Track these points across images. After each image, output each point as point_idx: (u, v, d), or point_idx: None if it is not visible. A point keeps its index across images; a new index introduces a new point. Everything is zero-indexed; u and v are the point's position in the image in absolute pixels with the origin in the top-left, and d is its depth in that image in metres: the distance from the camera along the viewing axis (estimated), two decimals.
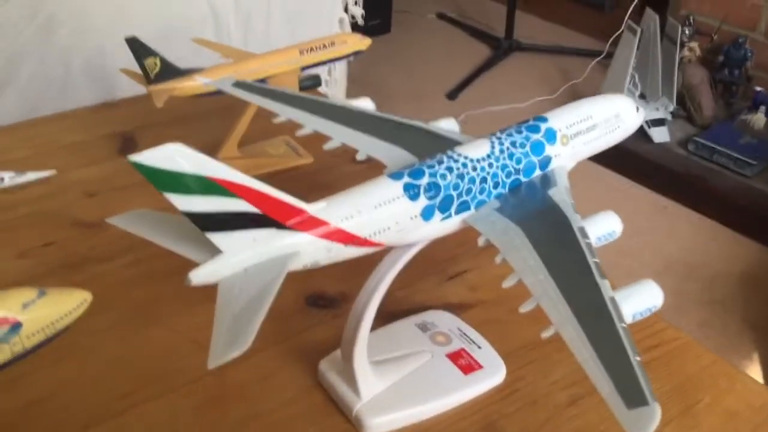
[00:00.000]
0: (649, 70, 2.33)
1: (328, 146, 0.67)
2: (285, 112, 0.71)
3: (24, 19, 1.56)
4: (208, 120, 1.02)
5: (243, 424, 0.62)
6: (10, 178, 0.83)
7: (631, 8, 2.56)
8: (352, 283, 0.61)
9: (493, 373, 0.66)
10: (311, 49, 0.93)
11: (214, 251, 0.51)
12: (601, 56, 2.73)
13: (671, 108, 2.32)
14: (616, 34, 2.58)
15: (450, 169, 0.58)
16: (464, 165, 0.58)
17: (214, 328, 0.46)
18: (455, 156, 0.59)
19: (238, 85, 0.74)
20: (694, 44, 2.48)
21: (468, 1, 3.45)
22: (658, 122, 2.28)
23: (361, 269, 0.60)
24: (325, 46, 0.94)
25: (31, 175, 0.85)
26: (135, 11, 1.69)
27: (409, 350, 0.67)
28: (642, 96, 2.34)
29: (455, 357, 0.66)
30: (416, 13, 3.32)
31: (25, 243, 0.81)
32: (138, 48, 0.83)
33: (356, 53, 0.98)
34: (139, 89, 0.90)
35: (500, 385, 0.65)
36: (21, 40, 1.55)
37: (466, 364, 0.66)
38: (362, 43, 0.97)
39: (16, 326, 0.46)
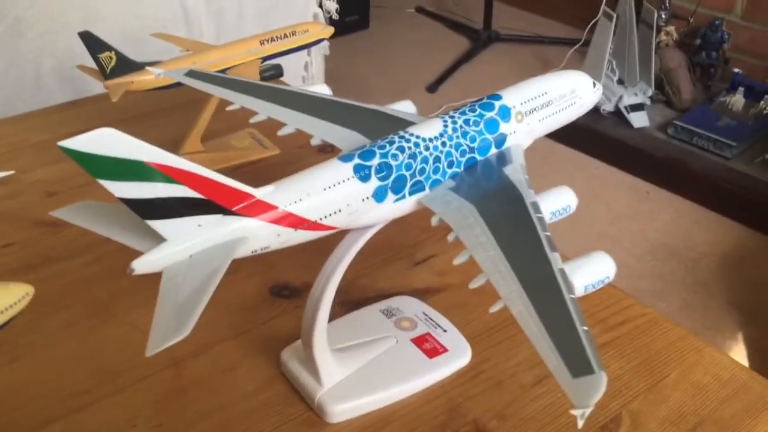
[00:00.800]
0: (627, 55, 2.32)
1: (282, 132, 0.66)
2: (239, 100, 0.69)
3: None
4: (170, 115, 1.00)
5: (204, 417, 0.61)
6: None
7: None
8: (316, 272, 0.60)
9: (458, 356, 0.65)
10: (272, 39, 0.92)
11: (159, 240, 0.50)
12: (579, 44, 2.72)
13: (650, 93, 2.32)
14: (594, 21, 2.58)
15: (402, 149, 0.57)
16: (416, 145, 0.57)
17: (154, 316, 0.45)
18: (407, 136, 0.58)
19: (192, 74, 0.73)
20: (671, 28, 2.48)
21: None
22: (637, 107, 2.28)
23: (325, 259, 0.59)
24: (286, 35, 0.93)
25: None
26: (106, 12, 1.68)
27: (373, 336, 0.66)
28: (620, 81, 2.34)
29: (420, 341, 0.65)
30: (395, 8, 3.30)
31: None
32: (92, 43, 0.81)
33: (318, 41, 0.96)
34: None
35: (465, 367, 0.64)
36: None
37: (431, 348, 0.65)
38: (324, 32, 0.96)
39: None
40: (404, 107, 0.71)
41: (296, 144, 0.98)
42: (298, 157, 0.96)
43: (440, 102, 2.60)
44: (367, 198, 0.55)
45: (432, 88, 2.71)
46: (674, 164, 2.17)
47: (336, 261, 0.58)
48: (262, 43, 0.91)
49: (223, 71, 0.89)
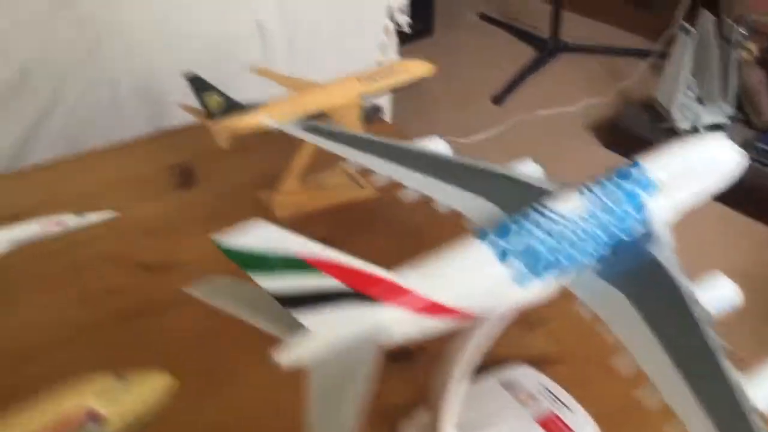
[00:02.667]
0: (706, 72, 2.25)
1: (405, 196, 0.64)
2: (356, 157, 0.67)
3: (75, 37, 1.55)
4: (267, 148, 0.98)
5: None
6: (72, 222, 0.81)
7: (681, 8, 2.47)
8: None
9: None
10: (371, 78, 0.89)
11: (300, 328, 0.47)
12: (652, 57, 2.64)
13: (729, 112, 2.24)
14: (666, 33, 2.50)
15: (542, 227, 0.53)
16: (558, 222, 0.54)
17: (309, 420, 0.43)
18: (547, 212, 0.55)
19: (306, 128, 0.71)
20: (751, 44, 2.39)
21: (511, 1, 3.38)
22: (716, 127, 2.20)
23: None
24: (385, 74, 0.90)
25: (93, 217, 0.83)
26: (183, 30, 1.68)
27: (495, 412, 0.63)
28: (699, 100, 2.26)
29: (547, 423, 0.62)
30: (458, 15, 3.26)
31: (86, 288, 0.79)
32: (198, 84, 0.80)
33: (418, 79, 0.94)
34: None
35: None
36: (69, 59, 1.55)
37: (557, 430, 0.61)
38: (424, 69, 0.94)
39: (98, 419, 0.43)
40: (529, 169, 0.67)
41: (393, 182, 0.97)
42: (395, 198, 0.94)
43: (507, 115, 2.55)
44: (508, 281, 0.52)
45: (498, 99, 2.66)
46: (754, 187, 2.09)
47: (472, 351, 0.55)
48: (360, 81, 0.89)
49: (323, 113, 0.87)
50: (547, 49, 2.90)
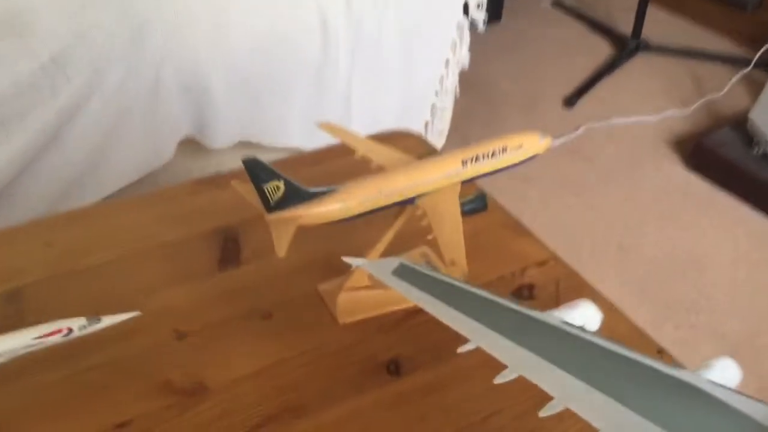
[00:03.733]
0: None
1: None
2: (463, 326, 0.48)
3: (116, 24, 1.38)
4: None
5: None
6: (80, 329, 0.63)
7: None
8: None
9: None
10: (477, 159, 0.69)
11: None
12: (749, 67, 2.38)
13: None
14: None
15: None
16: None
17: None
18: None
19: (402, 273, 0.52)
20: None
21: None
22: None
23: None
24: (494, 153, 0.70)
25: (109, 320, 0.65)
26: (234, 20, 1.49)
27: None
28: None
29: None
30: (530, 0, 3.00)
31: (94, 419, 0.61)
32: (258, 171, 0.61)
33: (531, 158, 0.74)
34: None
35: None
36: (111, 45, 1.38)
37: None
38: (541, 146, 0.73)
39: None
40: (724, 373, 0.47)
41: (488, 278, 0.77)
42: None
43: (579, 120, 2.33)
44: None
45: (570, 101, 2.43)
46: None
47: None
48: (464, 163, 0.69)
49: (412, 199, 0.68)
50: (628, 47, 2.65)
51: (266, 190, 0.62)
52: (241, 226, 0.82)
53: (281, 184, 0.62)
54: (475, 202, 0.69)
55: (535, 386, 0.65)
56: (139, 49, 1.44)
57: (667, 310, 1.69)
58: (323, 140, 1.79)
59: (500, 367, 0.67)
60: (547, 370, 0.44)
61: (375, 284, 0.73)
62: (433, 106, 1.95)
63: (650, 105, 2.40)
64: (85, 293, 0.72)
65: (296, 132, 1.67)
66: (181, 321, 0.70)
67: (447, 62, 1.90)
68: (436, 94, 1.94)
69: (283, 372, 0.66)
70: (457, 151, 0.70)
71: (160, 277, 0.75)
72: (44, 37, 1.35)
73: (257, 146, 1.64)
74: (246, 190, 0.65)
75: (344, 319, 0.72)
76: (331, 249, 0.77)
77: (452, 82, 1.94)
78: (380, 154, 0.73)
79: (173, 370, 0.65)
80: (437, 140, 2.05)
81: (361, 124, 1.79)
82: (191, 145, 1.59)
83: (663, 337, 1.61)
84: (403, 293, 0.51)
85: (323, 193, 0.65)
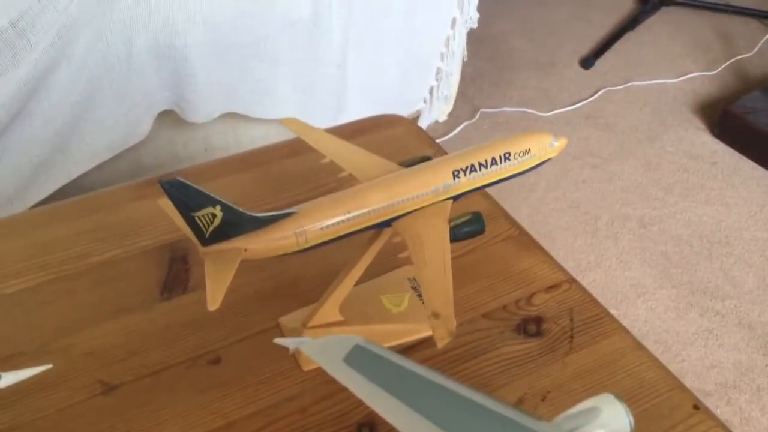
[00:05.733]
0: None
1: None
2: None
3: None
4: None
5: None
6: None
7: None
8: None
9: None
10: (471, 169, 0.55)
11: None
12: None
13: None
14: None
15: None
16: None
17: None
18: None
19: (356, 357, 0.39)
20: None
21: None
22: None
23: None
24: (494, 161, 0.56)
25: (13, 377, 0.52)
26: None
27: None
28: None
29: None
30: None
31: None
32: (183, 197, 0.47)
33: (541, 164, 0.59)
34: None
35: None
36: (77, 7, 1.25)
37: None
38: (552, 150, 0.59)
39: None
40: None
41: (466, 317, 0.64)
42: (473, 335, 0.62)
43: (596, 82, 2.16)
44: None
45: (587, 62, 2.25)
46: None
47: None
48: (456, 175, 0.55)
49: (389, 222, 0.54)
50: (650, 2, 2.45)
51: (198, 220, 0.48)
52: (189, 248, 0.68)
53: (217, 211, 0.49)
54: (470, 224, 0.55)
55: None
56: (107, 11, 1.30)
57: (692, 296, 1.55)
58: (317, 112, 1.63)
59: None
60: None
61: (348, 318, 0.60)
62: (439, 71, 1.79)
63: (674, 66, 2.23)
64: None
65: (286, 102, 1.52)
66: (109, 369, 0.57)
67: (453, 21, 1.73)
68: (442, 57, 1.78)
69: None
70: (447, 159, 0.56)
71: (88, 310, 0.62)
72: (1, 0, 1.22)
73: (244, 118, 1.51)
74: (178, 223, 0.51)
75: (309, 365, 0.59)
76: (295, 274, 0.64)
77: (459, 43, 1.77)
78: (352, 160, 0.59)
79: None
80: (443, 107, 1.90)
81: (358, 91, 1.64)
82: (174, 117, 1.46)
83: (687, 326, 1.48)
84: (352, 388, 0.38)
85: (275, 219, 0.51)
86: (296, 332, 0.60)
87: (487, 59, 2.20)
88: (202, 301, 0.63)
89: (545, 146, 0.58)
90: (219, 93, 1.47)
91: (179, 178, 0.46)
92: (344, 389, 0.53)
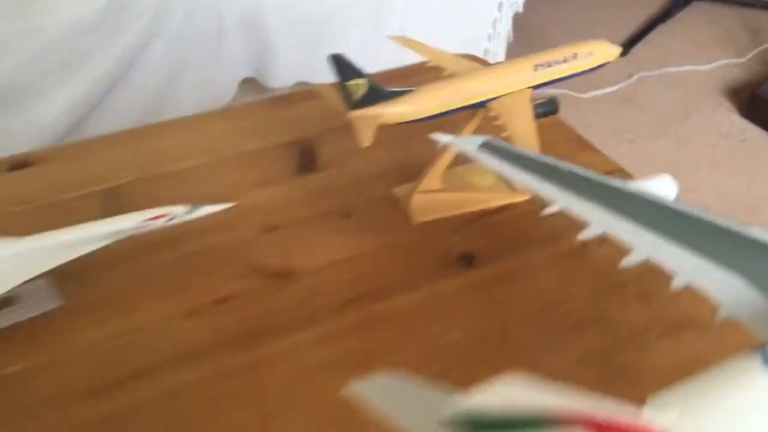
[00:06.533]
0: None
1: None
2: (545, 191, 0.52)
3: None
4: (399, 135, 0.84)
5: None
6: (182, 215, 0.68)
7: None
8: None
9: None
10: (548, 64, 0.73)
11: None
12: None
13: None
14: None
15: None
16: None
17: None
18: None
19: (488, 148, 0.56)
20: None
21: None
22: None
23: None
24: (565, 59, 0.73)
25: (207, 209, 0.70)
26: None
27: None
28: None
29: None
30: None
31: (194, 297, 0.67)
32: (343, 67, 0.65)
33: (602, 65, 0.76)
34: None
35: None
36: None
37: None
38: (612, 54, 0.76)
39: None
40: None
41: None
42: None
43: (632, 68, 2.31)
44: None
45: (624, 50, 2.40)
46: None
47: None
48: (536, 68, 0.72)
49: (484, 102, 0.71)
50: None
51: (349, 88, 0.66)
52: (316, 139, 0.87)
53: (364, 83, 0.66)
54: (547, 105, 0.73)
55: (603, 274, 0.69)
56: None
57: None
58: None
59: (569, 262, 0.71)
60: (630, 227, 0.48)
61: (447, 187, 0.78)
62: (486, 51, 1.96)
63: (704, 54, 2.38)
64: (178, 192, 0.78)
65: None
66: (269, 216, 0.76)
67: (500, 5, 1.91)
68: (489, 38, 1.95)
69: (362, 262, 0.71)
70: (529, 57, 0.73)
71: (246, 180, 0.80)
72: None
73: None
74: (327, 93, 0.70)
75: (418, 218, 0.76)
76: (403, 157, 0.82)
77: (505, 26, 1.95)
78: (452, 63, 0.76)
79: (264, 256, 0.71)
80: None
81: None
82: (250, 85, 1.64)
83: None
84: (490, 166, 0.55)
85: (402, 93, 0.69)
86: (407, 198, 0.77)
87: (529, 45, 2.37)
88: (330, 177, 0.81)
89: (605, 50, 0.75)
90: (295, 63, 1.65)
91: (339, 53, 0.64)
92: (446, 234, 0.71)
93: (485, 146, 0.57)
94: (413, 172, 0.79)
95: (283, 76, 1.65)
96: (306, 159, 0.84)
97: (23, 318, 0.64)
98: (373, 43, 1.70)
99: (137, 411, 0.58)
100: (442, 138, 0.63)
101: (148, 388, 0.59)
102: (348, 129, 0.67)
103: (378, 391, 0.40)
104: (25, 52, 1.41)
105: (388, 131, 0.69)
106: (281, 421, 0.57)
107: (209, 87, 1.62)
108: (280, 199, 0.78)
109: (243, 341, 0.63)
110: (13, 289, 0.61)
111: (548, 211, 0.51)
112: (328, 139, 0.87)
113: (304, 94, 0.94)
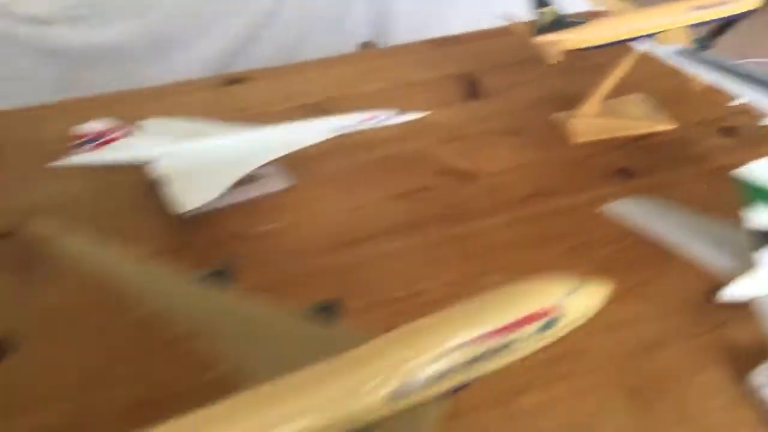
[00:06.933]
0: None
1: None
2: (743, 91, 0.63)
3: None
4: (554, 67, 0.96)
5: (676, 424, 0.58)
6: (390, 117, 0.81)
7: None
8: None
9: None
10: (703, 7, 0.85)
11: (742, 263, 0.46)
12: None
13: None
14: None
15: None
16: None
17: None
18: None
19: (683, 54, 0.68)
20: None
21: None
22: None
23: None
24: (716, 4, 0.85)
25: (409, 116, 0.83)
26: None
27: None
28: None
29: None
30: None
31: (400, 186, 0.80)
32: None
33: (749, 12, 0.88)
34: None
35: None
36: None
37: None
38: (757, 1, 0.88)
39: (552, 322, 0.43)
40: None
41: (695, 121, 0.92)
42: (696, 135, 0.90)
43: None
44: None
45: (703, 44, 2.48)
46: None
47: None
48: (694, 9, 0.84)
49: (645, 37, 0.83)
50: None
51: (541, 15, 0.79)
52: (478, 73, 1.00)
53: (553, 11, 0.79)
54: (702, 41, 0.85)
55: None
56: None
57: None
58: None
59: (717, 177, 0.82)
60: None
61: (603, 113, 0.90)
62: None
63: None
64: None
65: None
66: (447, 131, 0.89)
67: None
68: None
69: (534, 170, 0.84)
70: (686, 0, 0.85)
71: (419, 103, 0.93)
72: None
73: None
74: (518, 29, 0.83)
75: (577, 139, 0.88)
76: (560, 89, 0.94)
77: None
78: (612, 3, 0.89)
79: (451, 159, 0.84)
80: None
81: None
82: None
83: None
84: (683, 68, 0.67)
85: (581, 23, 0.81)
86: (568, 121, 0.89)
87: None
88: (496, 103, 0.94)
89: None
90: (412, 27, 1.78)
91: None
92: (604, 152, 0.82)
93: (680, 53, 0.68)
94: (568, 102, 0.91)
95: (400, 40, 1.78)
96: (473, 89, 0.96)
97: (266, 191, 0.77)
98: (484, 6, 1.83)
99: (363, 265, 0.70)
100: (640, 45, 0.75)
101: (372, 248, 0.72)
102: (506, 68, 0.79)
103: (632, 209, 0.52)
104: (175, 7, 1.58)
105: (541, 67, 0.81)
106: (483, 280, 0.69)
107: (330, 50, 1.75)
108: (453, 118, 0.91)
109: (446, 219, 0.76)
110: (256, 169, 0.75)
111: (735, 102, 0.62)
112: (492, 74, 0.99)
113: (467, 36, 1.07)
